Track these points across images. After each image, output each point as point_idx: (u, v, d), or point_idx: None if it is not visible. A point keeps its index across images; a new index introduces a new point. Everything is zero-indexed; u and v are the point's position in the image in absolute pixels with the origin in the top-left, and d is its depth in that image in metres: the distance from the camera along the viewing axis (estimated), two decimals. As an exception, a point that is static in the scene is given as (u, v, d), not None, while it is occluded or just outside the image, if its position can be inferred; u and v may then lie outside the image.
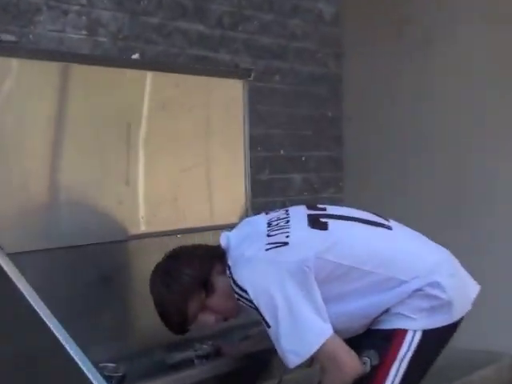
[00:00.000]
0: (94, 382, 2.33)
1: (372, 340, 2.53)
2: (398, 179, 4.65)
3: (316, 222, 2.56)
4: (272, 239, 2.49)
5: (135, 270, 3.10)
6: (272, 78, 3.89)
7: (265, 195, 3.74)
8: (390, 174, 4.71)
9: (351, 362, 2.46)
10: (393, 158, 4.66)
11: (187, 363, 2.88)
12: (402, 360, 2.52)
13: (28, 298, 2.47)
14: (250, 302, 2.44)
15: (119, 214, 3.03)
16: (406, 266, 2.52)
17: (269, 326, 2.43)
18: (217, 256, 2.62)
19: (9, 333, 2.42)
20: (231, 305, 2.59)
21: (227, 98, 3.44)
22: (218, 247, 2.63)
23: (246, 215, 3.51)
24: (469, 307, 2.65)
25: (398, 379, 2.54)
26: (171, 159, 3.21)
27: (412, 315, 2.50)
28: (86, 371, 2.34)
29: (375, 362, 2.52)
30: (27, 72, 2.72)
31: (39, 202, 2.79)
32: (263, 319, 2.44)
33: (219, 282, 2.60)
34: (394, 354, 2.52)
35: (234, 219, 3.41)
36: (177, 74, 3.21)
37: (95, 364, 2.35)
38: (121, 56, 3.17)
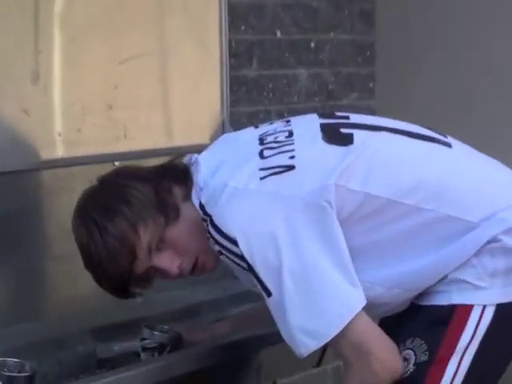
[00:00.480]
0: None
1: (417, 323, 2.05)
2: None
3: (334, 135, 2.06)
4: (268, 162, 2.02)
5: (49, 213, 2.67)
6: None
7: (251, 102, 3.30)
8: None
9: (388, 356, 2.02)
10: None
11: (129, 358, 2.43)
12: (463, 353, 2.01)
13: None
14: (241, 257, 1.97)
15: (24, 128, 2.55)
16: (474, 200, 2.07)
17: (269, 295, 1.99)
18: (175, 179, 2.17)
19: None
20: (202, 245, 2.09)
21: None
22: (175, 168, 2.19)
23: (221, 132, 2.97)
24: None
25: (457, 382, 2.07)
26: (105, 46, 2.71)
27: (479, 282, 2.01)
28: None
29: (423, 358, 2.03)
30: None
31: None
32: (260, 284, 1.99)
33: (184, 207, 2.12)
34: (452, 343, 2.02)
35: (202, 138, 2.91)
36: None
37: None
38: None
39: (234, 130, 2.81)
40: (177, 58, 2.97)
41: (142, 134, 2.79)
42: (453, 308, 2.04)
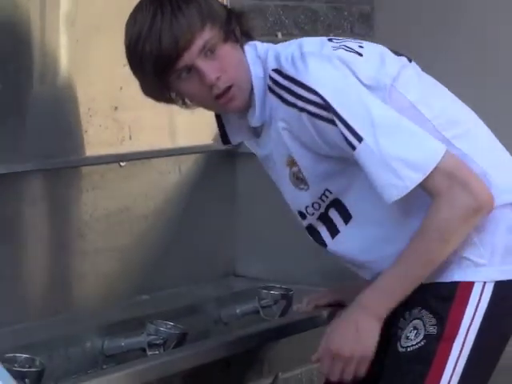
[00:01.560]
0: None
1: (422, 297, 2.07)
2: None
3: (398, 54, 2.20)
4: (338, 42, 2.13)
5: (59, 211, 2.62)
6: None
7: None
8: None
9: (483, 184, 2.05)
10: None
11: (135, 354, 2.49)
12: (467, 331, 2.03)
13: None
14: (323, 107, 1.99)
15: (25, 128, 2.54)
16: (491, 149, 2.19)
17: (360, 139, 1.98)
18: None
19: None
20: (242, 81, 2.13)
21: None
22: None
23: None
24: None
25: (461, 363, 2.06)
26: (111, 47, 2.58)
27: (479, 260, 2.05)
28: None
29: (431, 331, 2.04)
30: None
31: None
32: (349, 130, 1.99)
33: (245, 47, 2.17)
34: (457, 320, 2.04)
35: (205, 139, 2.89)
36: None
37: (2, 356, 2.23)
38: None
39: None
40: None
41: (147, 135, 2.76)
42: (455, 285, 2.03)
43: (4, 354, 2.24)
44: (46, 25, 2.63)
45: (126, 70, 2.39)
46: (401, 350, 2.11)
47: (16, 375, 2.13)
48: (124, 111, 2.72)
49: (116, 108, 2.69)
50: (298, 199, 2.23)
